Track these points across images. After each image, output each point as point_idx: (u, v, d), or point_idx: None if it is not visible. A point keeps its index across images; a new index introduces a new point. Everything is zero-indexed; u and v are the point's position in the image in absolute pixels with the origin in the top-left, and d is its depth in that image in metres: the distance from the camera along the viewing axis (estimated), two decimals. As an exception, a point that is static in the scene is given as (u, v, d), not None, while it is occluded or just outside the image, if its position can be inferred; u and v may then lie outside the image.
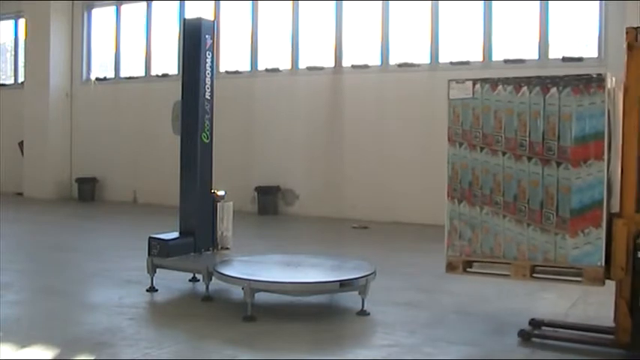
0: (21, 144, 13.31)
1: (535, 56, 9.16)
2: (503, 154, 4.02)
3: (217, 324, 4.47)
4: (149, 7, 12.46)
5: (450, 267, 4.20)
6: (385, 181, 9.96)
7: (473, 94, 4.13)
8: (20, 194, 13.22)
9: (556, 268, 3.92)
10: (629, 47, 3.81)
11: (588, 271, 3.80)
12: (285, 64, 11.07)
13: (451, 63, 9.61)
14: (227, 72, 11.46)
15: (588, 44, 8.97)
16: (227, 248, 5.67)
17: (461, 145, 4.15)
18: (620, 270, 3.79)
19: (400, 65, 10.04)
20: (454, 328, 4.41)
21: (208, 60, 5.60)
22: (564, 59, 8.93)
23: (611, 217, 3.84)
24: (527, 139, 3.95)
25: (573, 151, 3.82)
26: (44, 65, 12.98)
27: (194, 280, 5.56)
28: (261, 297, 4.62)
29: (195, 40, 5.57)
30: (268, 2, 11.23)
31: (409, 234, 8.89)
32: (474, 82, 4.13)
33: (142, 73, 12.60)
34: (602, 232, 3.77)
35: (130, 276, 5.83)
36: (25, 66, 13.65)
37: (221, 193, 5.69)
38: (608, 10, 8.66)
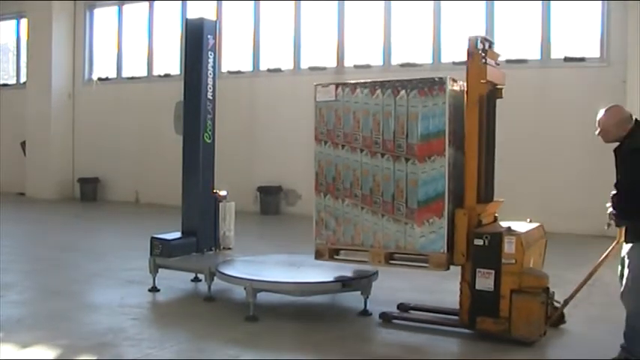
0: (23, 144, 13.32)
1: (537, 56, 9.15)
2: (361, 151, 4.37)
3: (219, 324, 4.48)
4: (151, 7, 12.46)
5: (318, 254, 4.59)
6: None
7: (335, 96, 4.51)
8: (22, 194, 13.23)
9: (407, 255, 4.27)
10: (469, 54, 4.20)
11: (433, 257, 4.15)
12: (287, 64, 11.06)
13: (453, 63, 9.59)
14: (229, 72, 11.45)
15: (591, 44, 8.94)
16: (229, 248, 5.68)
17: (326, 143, 4.52)
18: (461, 256, 4.12)
19: (402, 65, 10.02)
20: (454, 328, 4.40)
21: (210, 60, 5.61)
22: (566, 59, 8.93)
23: (454, 207, 4.17)
24: (381, 137, 4.29)
25: (419, 147, 4.16)
26: (46, 65, 12.99)
27: (196, 280, 5.57)
28: (263, 297, 4.62)
29: (198, 40, 5.58)
30: (270, 2, 11.23)
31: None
32: (337, 85, 4.54)
33: (144, 73, 12.60)
34: (445, 222, 4.11)
35: (132, 276, 5.84)
36: (27, 66, 13.65)
37: (223, 193, 5.71)
38: (610, 10, 8.64)
